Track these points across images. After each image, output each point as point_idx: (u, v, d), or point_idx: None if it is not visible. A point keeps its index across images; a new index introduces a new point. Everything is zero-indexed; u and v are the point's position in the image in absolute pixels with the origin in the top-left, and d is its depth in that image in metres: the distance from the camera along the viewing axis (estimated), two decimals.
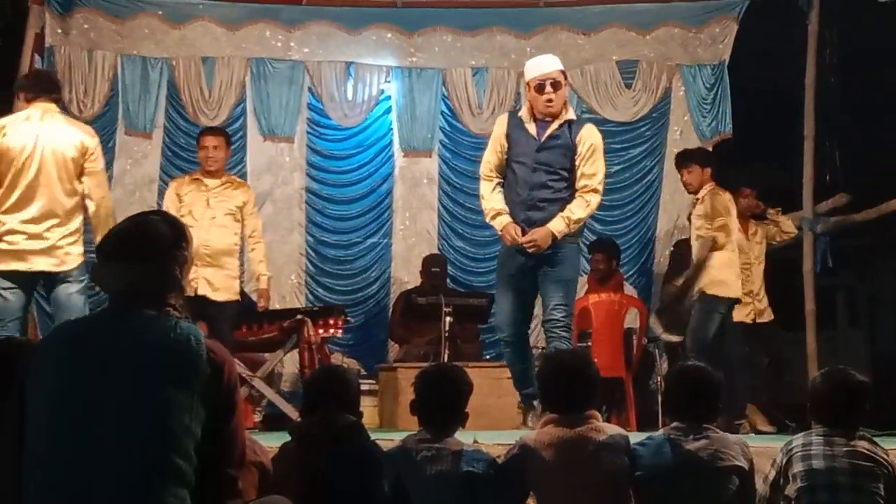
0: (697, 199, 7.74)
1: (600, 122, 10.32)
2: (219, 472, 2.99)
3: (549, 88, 6.64)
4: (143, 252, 3.09)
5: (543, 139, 6.65)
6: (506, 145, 6.73)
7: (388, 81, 10.48)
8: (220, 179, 7.89)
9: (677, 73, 10.42)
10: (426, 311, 9.02)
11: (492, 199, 6.75)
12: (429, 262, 9.80)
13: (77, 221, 6.62)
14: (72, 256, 6.54)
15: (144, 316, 2.99)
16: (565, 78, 6.76)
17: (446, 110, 10.54)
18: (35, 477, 2.86)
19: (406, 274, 10.33)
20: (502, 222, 6.62)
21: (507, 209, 6.65)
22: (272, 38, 10.21)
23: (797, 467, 4.57)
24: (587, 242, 10.00)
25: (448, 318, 8.37)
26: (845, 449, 4.54)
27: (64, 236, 6.51)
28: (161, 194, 9.17)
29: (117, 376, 2.89)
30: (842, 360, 5.85)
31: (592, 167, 6.71)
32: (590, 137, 6.72)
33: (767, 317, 8.44)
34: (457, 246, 10.47)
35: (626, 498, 4.37)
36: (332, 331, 8.49)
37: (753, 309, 8.29)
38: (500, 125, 6.84)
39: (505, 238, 6.62)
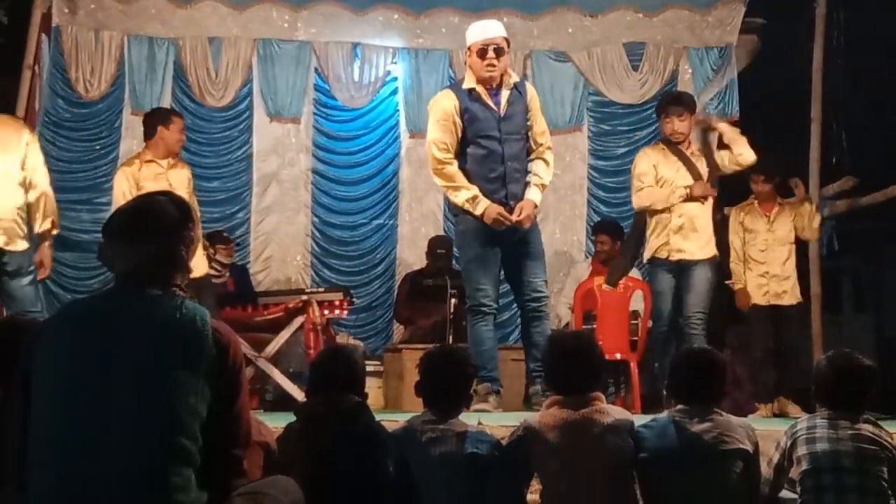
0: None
1: (607, 105, 10.38)
2: (224, 452, 3.00)
3: (491, 53, 6.58)
4: (149, 232, 3.10)
5: (504, 108, 6.62)
6: (460, 122, 6.62)
7: (395, 62, 10.45)
8: (167, 160, 7.90)
9: (684, 56, 10.39)
10: (431, 293, 9.02)
11: (462, 181, 6.60)
12: (434, 243, 9.79)
13: None
14: None
15: (150, 296, 3.00)
16: (508, 46, 6.72)
17: None
18: (40, 456, 2.87)
19: (412, 255, 10.32)
20: (485, 205, 6.51)
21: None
22: (279, 19, 10.18)
23: (801, 450, 4.58)
24: (591, 224, 10.02)
25: (453, 300, 8.36)
26: (850, 432, 4.54)
27: None
28: None
29: (123, 356, 2.90)
30: (847, 343, 5.85)
31: (542, 124, 6.78)
32: (535, 95, 6.79)
33: (789, 300, 8.26)
34: None
35: (629, 479, 4.39)
36: (337, 312, 8.50)
37: (769, 291, 8.19)
38: (448, 101, 6.68)
39: (495, 222, 6.51)
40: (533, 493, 4.53)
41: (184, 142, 8.01)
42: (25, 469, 2.90)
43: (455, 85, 7.02)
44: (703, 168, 7.59)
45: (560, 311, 9.19)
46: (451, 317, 8.31)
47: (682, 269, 7.49)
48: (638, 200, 7.66)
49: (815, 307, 8.68)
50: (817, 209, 8.40)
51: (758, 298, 8.12)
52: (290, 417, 4.30)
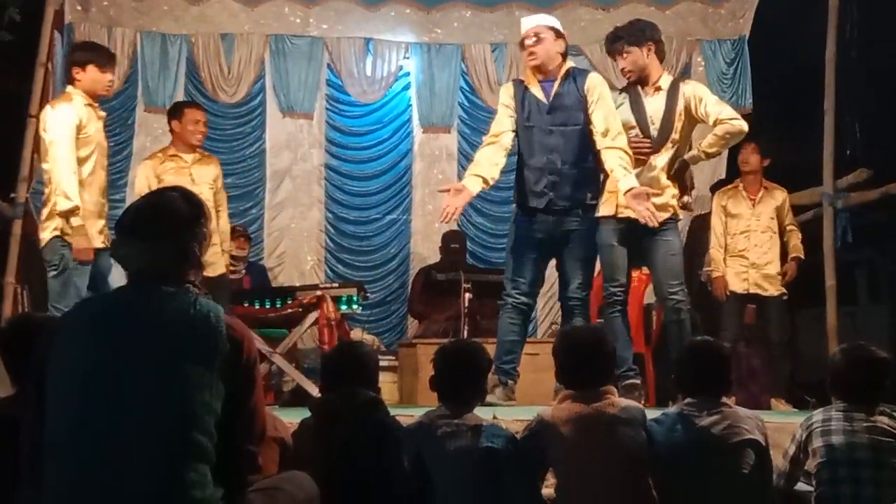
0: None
1: None
2: (239, 448, 3.00)
3: (528, 42, 6.62)
4: (162, 229, 3.10)
5: (551, 99, 6.60)
6: (512, 111, 6.65)
7: (407, 57, 10.47)
8: (193, 154, 7.90)
9: (697, 49, 10.38)
10: (445, 288, 9.03)
11: (472, 166, 6.72)
12: (448, 238, 9.80)
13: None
14: None
15: (164, 293, 3.00)
16: (556, 33, 6.70)
17: (465, 86, 10.54)
18: (56, 452, 2.88)
19: (425, 250, 10.34)
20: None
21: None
22: (291, 15, 10.21)
23: (817, 443, 4.57)
24: None
25: (467, 295, 8.37)
26: (865, 424, 4.54)
27: None
28: None
29: (138, 353, 2.90)
30: (862, 335, 5.84)
31: (601, 114, 6.56)
32: (597, 84, 6.64)
33: (771, 291, 8.23)
34: (476, 222, 10.46)
35: (643, 471, 4.38)
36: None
37: (748, 279, 8.17)
38: (507, 91, 6.75)
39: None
40: (548, 487, 4.53)
41: (203, 133, 7.97)
42: (41, 466, 2.91)
43: (515, 79, 7.05)
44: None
45: None
46: (466, 311, 8.31)
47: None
48: None
49: (830, 299, 8.65)
50: (824, 200, 8.36)
51: (735, 286, 8.09)
52: (305, 413, 4.31)
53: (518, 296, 6.67)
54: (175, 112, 8.06)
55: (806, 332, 8.56)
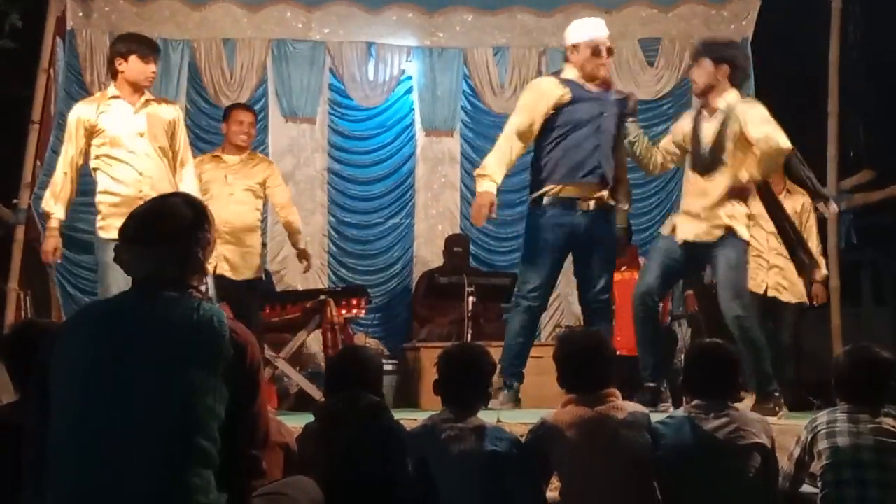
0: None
1: None
2: (243, 453, 3.00)
3: (604, 52, 6.63)
4: (164, 234, 3.10)
5: (608, 103, 6.60)
6: (551, 109, 6.53)
7: (410, 61, 10.47)
8: (239, 156, 7.83)
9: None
10: (449, 291, 9.02)
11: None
12: (451, 241, 9.80)
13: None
14: None
15: (167, 298, 3.00)
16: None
17: (468, 90, 10.53)
18: (59, 456, 2.87)
19: (429, 254, 10.33)
20: None
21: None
22: (293, 19, 10.20)
23: (822, 444, 4.56)
24: None
25: (471, 298, 8.37)
26: (870, 426, 4.53)
27: None
28: None
29: (141, 358, 2.90)
30: (866, 336, 5.82)
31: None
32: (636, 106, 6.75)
33: (788, 297, 8.18)
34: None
35: (648, 475, 4.38)
36: (354, 311, 8.50)
37: (765, 280, 8.09)
38: (551, 88, 6.62)
39: None
40: (552, 491, 4.52)
41: (248, 134, 7.88)
42: (44, 470, 2.91)
43: (555, 75, 6.95)
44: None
45: (577, 309, 9.17)
46: (469, 315, 8.31)
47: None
48: None
49: (834, 300, 8.65)
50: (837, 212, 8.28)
51: (754, 287, 7.99)
52: (310, 418, 4.30)
53: (530, 296, 6.62)
54: (224, 114, 8.11)
55: (810, 333, 8.52)
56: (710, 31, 10.24)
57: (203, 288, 3.15)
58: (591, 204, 6.52)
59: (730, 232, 6.27)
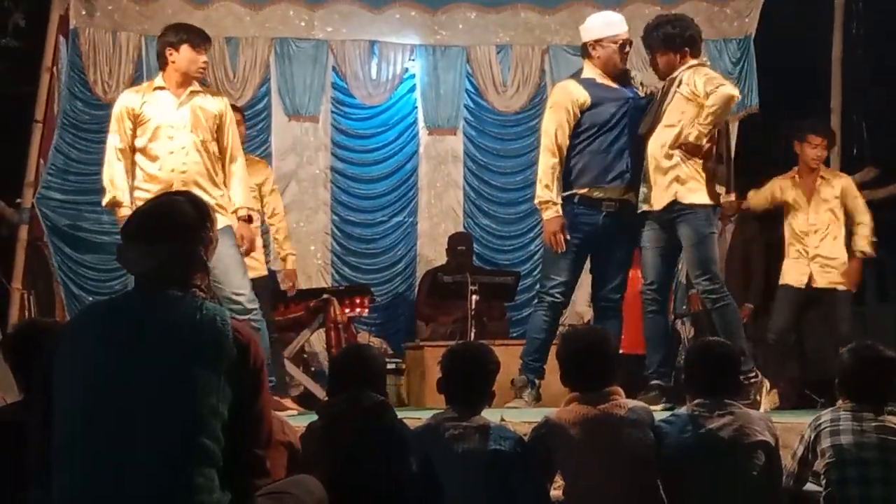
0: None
1: None
2: (246, 452, 3.00)
3: (628, 48, 6.74)
4: (167, 233, 3.10)
5: (633, 101, 6.63)
6: (578, 113, 6.55)
7: (413, 60, 10.45)
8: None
9: (703, 48, 10.33)
10: (452, 290, 9.01)
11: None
12: (455, 240, 9.80)
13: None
14: None
15: (170, 297, 3.00)
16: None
17: (471, 88, 10.51)
18: (63, 457, 2.88)
19: (432, 252, 10.32)
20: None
21: None
22: (295, 18, 10.19)
23: (825, 443, 4.56)
24: None
25: (474, 297, 8.36)
26: (874, 424, 4.53)
27: None
28: None
29: (144, 358, 2.90)
30: (870, 335, 5.82)
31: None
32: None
33: (827, 283, 7.83)
34: (483, 224, 10.45)
35: (652, 473, 4.38)
36: (358, 310, 8.51)
37: (808, 273, 7.90)
38: (576, 88, 6.64)
39: None
40: (556, 489, 4.52)
41: (244, 137, 7.79)
42: (48, 469, 2.91)
43: (576, 77, 6.94)
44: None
45: (580, 308, 9.17)
46: (473, 313, 8.30)
47: None
48: None
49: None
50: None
51: (792, 279, 7.91)
52: (313, 416, 4.30)
53: (554, 293, 6.64)
54: None
55: (814, 331, 8.49)
56: (712, 29, 10.22)
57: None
58: (616, 205, 6.57)
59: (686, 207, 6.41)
